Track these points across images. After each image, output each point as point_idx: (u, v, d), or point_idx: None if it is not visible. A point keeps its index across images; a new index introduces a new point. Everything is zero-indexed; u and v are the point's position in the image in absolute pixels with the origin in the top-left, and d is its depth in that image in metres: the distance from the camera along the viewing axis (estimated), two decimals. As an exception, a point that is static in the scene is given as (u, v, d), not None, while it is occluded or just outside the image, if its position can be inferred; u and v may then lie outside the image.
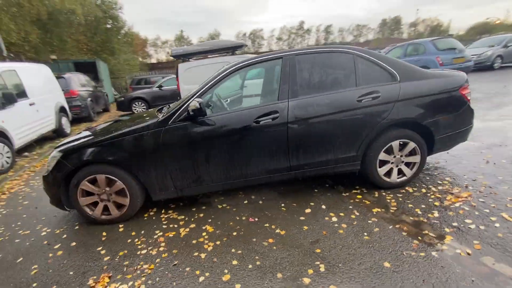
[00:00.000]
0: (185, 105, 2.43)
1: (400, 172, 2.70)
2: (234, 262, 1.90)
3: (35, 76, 5.80)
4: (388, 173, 2.69)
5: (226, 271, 1.83)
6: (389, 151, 2.61)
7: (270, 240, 2.11)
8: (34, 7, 10.93)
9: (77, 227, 2.58)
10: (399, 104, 2.51)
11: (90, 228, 2.53)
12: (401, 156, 2.64)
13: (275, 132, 2.47)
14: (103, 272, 1.93)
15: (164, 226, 2.44)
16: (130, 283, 1.80)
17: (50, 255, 2.20)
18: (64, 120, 6.81)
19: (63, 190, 2.49)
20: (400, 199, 2.53)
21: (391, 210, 2.37)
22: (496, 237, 1.90)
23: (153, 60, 54.02)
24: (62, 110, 6.79)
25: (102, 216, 2.54)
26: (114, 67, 19.44)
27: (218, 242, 2.14)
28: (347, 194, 2.72)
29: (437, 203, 2.38)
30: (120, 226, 2.51)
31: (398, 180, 2.70)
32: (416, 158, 2.65)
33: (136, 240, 2.28)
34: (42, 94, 5.78)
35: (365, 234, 2.08)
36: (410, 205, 2.40)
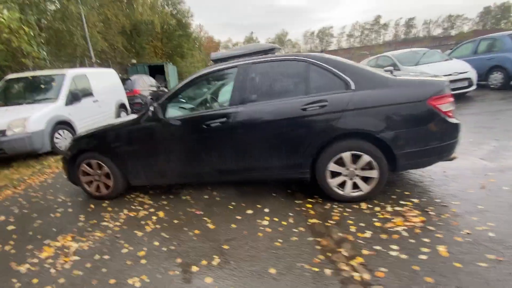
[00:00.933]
0: (150, 107, 2.86)
1: (356, 186, 2.54)
2: (156, 243, 2.24)
3: (101, 79, 7.32)
4: (343, 186, 2.56)
5: (145, 248, 2.18)
6: (341, 163, 2.49)
7: (196, 231, 2.36)
8: (120, 21, 13.49)
9: (80, 199, 3.34)
10: (349, 113, 2.38)
11: (87, 201, 3.25)
12: (355, 169, 2.48)
13: (223, 135, 2.67)
14: (71, 232, 2.55)
15: (132, 207, 2.95)
16: (80, 243, 2.34)
17: (54, 214, 2.97)
18: (123, 114, 8.33)
19: (71, 169, 3.27)
20: (346, 213, 2.40)
21: (326, 223, 2.30)
22: (409, 269, 1.70)
23: (224, 61, 58.03)
24: (122, 106, 8.32)
25: (96, 192, 3.22)
26: (183, 69, 22.06)
27: (158, 226, 2.51)
28: (300, 202, 2.71)
29: (378, 224, 2.19)
30: (106, 202, 3.14)
31: (353, 194, 2.54)
32: (373, 173, 2.45)
33: (107, 214, 2.84)
34: (105, 93, 7.25)
35: (280, 240, 2.12)
36: (349, 221, 2.27)
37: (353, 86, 2.42)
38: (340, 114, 2.39)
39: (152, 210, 2.85)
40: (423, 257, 1.78)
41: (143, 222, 2.60)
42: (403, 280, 1.63)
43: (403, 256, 1.81)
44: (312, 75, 2.56)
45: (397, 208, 2.37)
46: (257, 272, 1.81)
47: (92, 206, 3.07)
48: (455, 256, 1.75)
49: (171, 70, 17.44)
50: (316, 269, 1.78)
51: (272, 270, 1.80)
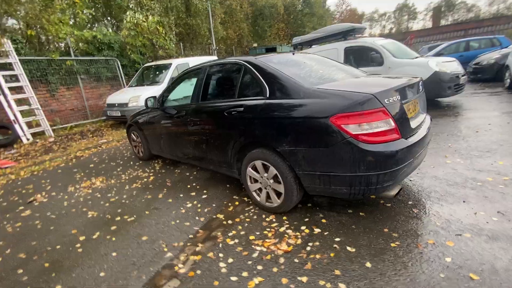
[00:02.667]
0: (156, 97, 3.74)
1: (270, 196, 2.45)
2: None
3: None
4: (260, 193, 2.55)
5: (125, 196, 3.21)
6: (257, 170, 2.47)
7: (147, 196, 3.14)
8: (243, 10, 15.28)
9: (132, 157, 4.88)
10: (258, 122, 2.31)
11: (134, 159, 4.71)
12: (268, 179, 2.40)
13: (182, 126, 3.20)
14: (105, 176, 3.98)
15: (143, 173, 4.10)
16: (104, 183, 3.68)
17: (114, 163, 4.61)
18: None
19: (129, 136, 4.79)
20: (248, 219, 2.45)
21: (225, 222, 2.47)
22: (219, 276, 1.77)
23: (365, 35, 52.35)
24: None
25: (138, 154, 4.61)
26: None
27: (139, 186, 3.50)
28: (236, 197, 2.90)
29: (253, 237, 2.16)
30: (141, 162, 4.47)
31: (267, 204, 2.49)
32: (281, 187, 2.30)
33: (138, 168, 4.13)
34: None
35: (177, 221, 2.55)
36: (239, 227, 2.34)
37: (267, 94, 2.29)
38: (252, 121, 2.35)
39: (153, 177, 3.88)
40: (233, 278, 1.76)
41: (140, 181, 3.68)
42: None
43: (223, 270, 1.85)
44: (244, 79, 2.57)
45: (291, 232, 2.17)
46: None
47: (131, 162, 4.50)
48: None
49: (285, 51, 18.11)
50: (165, 250, 2.15)
51: (145, 237, 2.34)
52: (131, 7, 9.62)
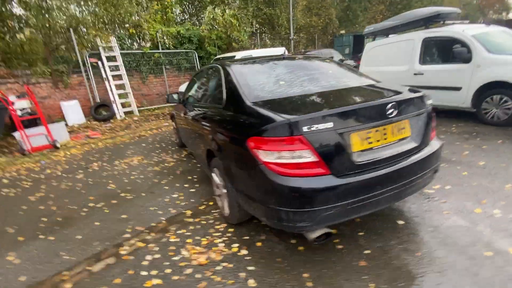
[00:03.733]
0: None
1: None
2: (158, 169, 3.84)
3: (266, 57, 9.20)
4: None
5: (142, 176, 3.87)
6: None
7: (155, 180, 3.64)
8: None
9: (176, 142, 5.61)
10: (212, 130, 2.32)
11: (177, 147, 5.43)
12: (221, 188, 2.41)
13: (186, 122, 3.48)
14: (143, 155, 4.79)
15: (170, 158, 4.68)
16: (143, 161, 4.49)
17: (159, 145, 5.46)
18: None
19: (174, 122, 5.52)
20: (198, 219, 2.56)
21: (186, 218, 2.66)
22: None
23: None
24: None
25: (175, 140, 5.30)
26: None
27: (158, 169, 4.07)
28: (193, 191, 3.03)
29: (180, 243, 2.26)
30: (176, 147, 5.13)
31: (224, 211, 2.52)
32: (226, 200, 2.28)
33: (167, 153, 4.81)
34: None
35: (124, 213, 2.90)
36: (184, 230, 2.49)
37: (224, 102, 2.25)
38: (210, 129, 2.38)
39: (171, 160, 4.42)
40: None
41: (161, 166, 4.29)
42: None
43: (144, 263, 2.06)
44: (217, 84, 2.58)
45: (221, 246, 2.15)
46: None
47: (170, 147, 5.21)
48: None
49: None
50: (128, 231, 2.54)
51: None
52: (214, 1, 10.47)
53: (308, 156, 1.56)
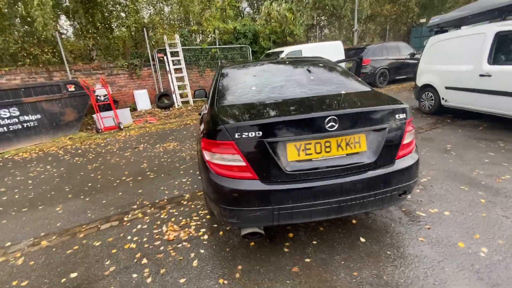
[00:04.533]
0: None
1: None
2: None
3: (316, 52, 8.89)
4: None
5: (169, 160, 4.53)
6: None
7: (176, 164, 4.20)
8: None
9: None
10: (199, 130, 2.61)
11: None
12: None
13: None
14: (176, 142, 5.48)
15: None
16: (170, 146, 5.20)
17: (187, 133, 6.12)
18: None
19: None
20: (194, 206, 2.93)
21: (182, 201, 3.10)
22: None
23: None
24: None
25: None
26: None
27: (184, 155, 4.65)
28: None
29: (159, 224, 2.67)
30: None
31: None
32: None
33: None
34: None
35: (141, 189, 3.43)
36: (182, 210, 2.90)
37: (208, 103, 2.51)
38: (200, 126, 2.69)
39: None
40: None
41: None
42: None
43: (134, 230, 2.55)
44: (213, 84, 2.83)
45: (192, 229, 2.48)
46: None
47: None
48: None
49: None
50: (137, 203, 3.12)
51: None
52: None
53: (238, 160, 1.71)
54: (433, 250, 1.93)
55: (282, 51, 8.62)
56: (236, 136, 1.69)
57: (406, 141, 1.89)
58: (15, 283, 2.01)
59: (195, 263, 2.03)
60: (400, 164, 1.86)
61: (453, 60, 5.37)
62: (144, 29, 8.68)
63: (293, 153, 1.74)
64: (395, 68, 10.83)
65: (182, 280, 1.87)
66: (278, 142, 1.71)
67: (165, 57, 9.15)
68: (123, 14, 8.89)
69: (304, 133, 1.72)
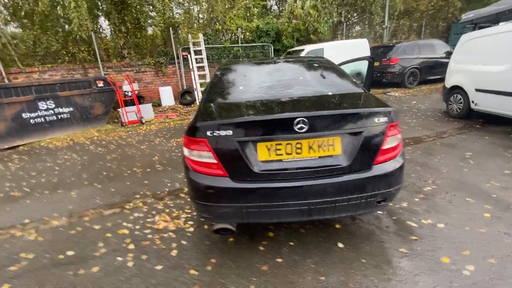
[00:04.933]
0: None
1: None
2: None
3: (340, 50, 8.60)
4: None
5: (179, 154, 4.75)
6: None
7: (183, 159, 4.39)
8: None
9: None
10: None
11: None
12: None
13: None
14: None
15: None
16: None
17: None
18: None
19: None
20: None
21: (180, 194, 3.25)
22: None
23: None
24: (356, 75, 9.08)
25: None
26: None
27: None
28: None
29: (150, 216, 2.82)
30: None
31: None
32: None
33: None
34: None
35: (147, 180, 3.62)
36: (178, 202, 3.05)
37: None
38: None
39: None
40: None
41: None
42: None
43: (131, 217, 2.74)
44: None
45: (181, 220, 2.60)
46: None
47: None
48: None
49: None
50: (140, 194, 3.34)
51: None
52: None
53: (210, 158, 1.77)
54: (412, 262, 1.83)
55: (303, 50, 8.48)
56: (208, 134, 1.75)
57: (387, 146, 1.81)
58: (23, 255, 2.29)
59: (174, 252, 2.15)
60: (379, 169, 1.79)
61: (486, 60, 4.89)
62: (170, 28, 9.09)
63: (264, 153, 1.76)
64: (428, 67, 10.07)
65: (159, 267, 2.00)
66: (249, 142, 1.74)
67: (188, 56, 9.50)
68: (153, 14, 9.40)
69: (274, 134, 1.73)
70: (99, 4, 8.63)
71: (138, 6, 8.07)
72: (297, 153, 1.75)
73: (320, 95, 2.12)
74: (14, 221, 2.90)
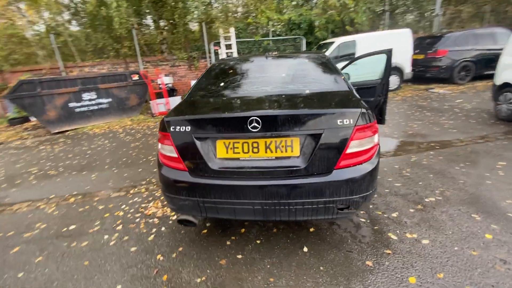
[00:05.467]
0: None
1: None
2: None
3: (375, 43, 7.94)
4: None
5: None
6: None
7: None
8: None
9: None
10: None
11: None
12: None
13: None
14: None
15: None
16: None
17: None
18: (390, 79, 8.38)
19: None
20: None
21: None
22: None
23: None
24: (393, 70, 8.28)
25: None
26: None
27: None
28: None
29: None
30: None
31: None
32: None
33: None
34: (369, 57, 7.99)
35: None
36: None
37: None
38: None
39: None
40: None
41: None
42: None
43: (110, 206, 3.01)
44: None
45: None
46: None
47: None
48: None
49: None
50: (125, 175, 3.63)
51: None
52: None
53: (172, 152, 1.86)
54: (372, 277, 1.69)
55: (333, 42, 8.05)
56: (171, 129, 1.84)
57: (351, 150, 1.68)
58: (38, 225, 2.71)
59: (151, 237, 2.32)
60: (339, 175, 1.67)
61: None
62: (203, 24, 9.41)
63: (222, 151, 1.78)
64: (485, 61, 8.71)
65: (133, 249, 2.19)
66: (207, 139, 1.78)
67: (219, 50, 9.74)
68: (193, 8, 9.80)
69: (230, 132, 1.73)
70: (140, 2, 9.31)
71: (173, 3, 8.51)
72: (254, 153, 1.73)
73: (293, 94, 2.05)
74: (43, 196, 3.42)
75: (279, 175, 1.71)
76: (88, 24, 8.59)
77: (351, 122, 1.65)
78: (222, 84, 2.39)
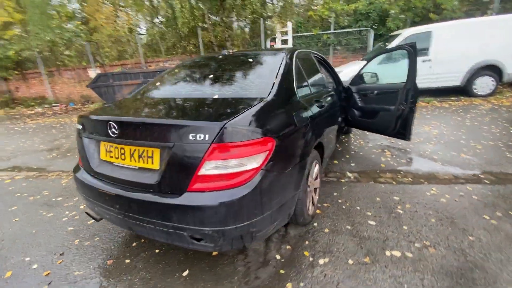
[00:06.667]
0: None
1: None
2: None
3: (454, 33, 6.14)
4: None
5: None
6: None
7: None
8: None
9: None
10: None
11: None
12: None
13: None
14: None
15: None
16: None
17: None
18: (480, 81, 6.28)
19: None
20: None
21: None
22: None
23: None
24: (487, 69, 6.18)
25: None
26: None
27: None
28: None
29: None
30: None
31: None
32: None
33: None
34: (453, 52, 6.19)
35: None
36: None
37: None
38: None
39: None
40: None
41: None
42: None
43: None
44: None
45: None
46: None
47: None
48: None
49: None
50: None
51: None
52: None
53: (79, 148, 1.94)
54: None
55: (399, 34, 6.63)
56: (79, 126, 1.92)
57: (205, 172, 1.36)
58: (44, 192, 3.34)
59: (121, 236, 2.46)
60: (188, 199, 1.39)
61: None
62: (261, 20, 9.37)
63: (103, 153, 1.76)
64: None
65: (102, 244, 2.40)
66: (92, 139, 1.79)
67: (275, 45, 9.54)
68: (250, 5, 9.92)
69: (101, 135, 1.68)
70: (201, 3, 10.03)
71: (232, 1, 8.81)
72: (122, 159, 1.64)
73: (196, 98, 1.83)
74: (68, 168, 4.19)
75: (135, 187, 1.56)
76: (164, 25, 9.92)
77: (206, 138, 1.34)
78: (158, 83, 2.35)
